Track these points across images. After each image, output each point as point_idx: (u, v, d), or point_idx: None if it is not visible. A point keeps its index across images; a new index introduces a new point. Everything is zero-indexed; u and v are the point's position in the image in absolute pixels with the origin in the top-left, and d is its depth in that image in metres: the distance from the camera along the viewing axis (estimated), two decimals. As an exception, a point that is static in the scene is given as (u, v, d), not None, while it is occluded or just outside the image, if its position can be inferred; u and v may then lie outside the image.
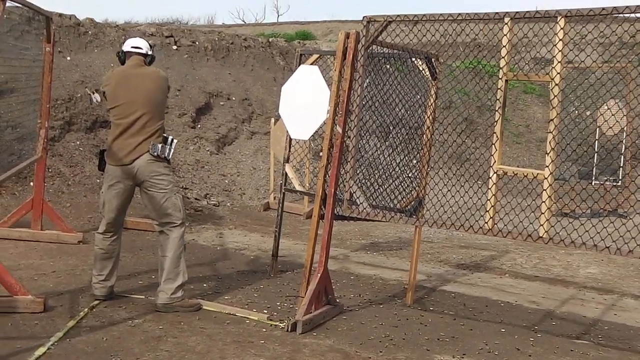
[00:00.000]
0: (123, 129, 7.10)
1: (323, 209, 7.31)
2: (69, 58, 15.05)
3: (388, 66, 8.51)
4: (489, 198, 6.65)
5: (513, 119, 20.59)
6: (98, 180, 12.45)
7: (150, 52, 7.50)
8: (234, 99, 16.42)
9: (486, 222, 6.60)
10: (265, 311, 7.29)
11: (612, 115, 15.47)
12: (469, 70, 8.09)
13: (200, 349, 6.12)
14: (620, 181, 16.09)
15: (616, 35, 7.30)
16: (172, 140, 7.20)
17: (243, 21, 51.34)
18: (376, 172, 8.26)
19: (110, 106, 7.27)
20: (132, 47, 7.39)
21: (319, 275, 7.17)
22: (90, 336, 6.21)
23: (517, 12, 6.56)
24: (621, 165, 16.31)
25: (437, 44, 7.78)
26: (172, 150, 7.17)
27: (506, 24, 6.58)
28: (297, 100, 8.29)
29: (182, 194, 13.04)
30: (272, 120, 14.33)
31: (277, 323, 6.90)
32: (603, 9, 6.06)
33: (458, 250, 11.19)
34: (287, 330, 6.72)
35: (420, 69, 8.24)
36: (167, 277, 7.03)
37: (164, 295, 6.99)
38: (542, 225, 6.35)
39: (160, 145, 7.05)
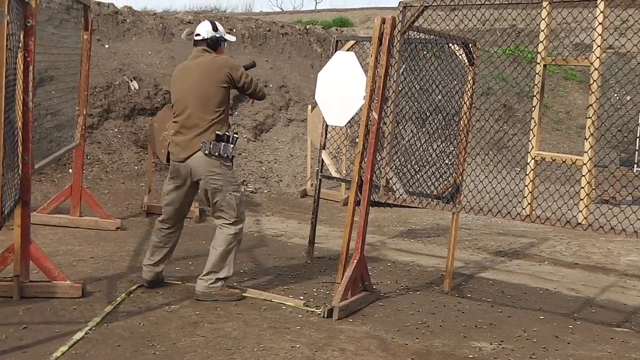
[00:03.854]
0: (178, 125, 6.94)
1: (359, 195, 7.29)
2: (107, 46, 15.16)
3: (425, 52, 8.46)
4: (526, 184, 6.60)
5: (553, 106, 20.44)
6: (136, 167, 12.55)
7: (209, 35, 7.04)
8: (271, 86, 16.44)
9: (524, 209, 6.55)
10: (302, 297, 7.30)
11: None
12: (507, 56, 8.02)
13: (236, 334, 6.13)
14: (661, 167, 15.94)
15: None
16: (229, 136, 6.84)
17: (281, 9, 51.38)
18: (413, 158, 8.21)
19: (172, 102, 7.17)
20: (195, 35, 7.12)
21: (355, 261, 7.14)
22: (127, 321, 6.24)
23: (552, -3, 6.48)
24: (662, 151, 16.15)
25: (474, 29, 7.73)
26: (231, 146, 6.83)
27: (544, 8, 6.50)
28: (333, 86, 8.29)
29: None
30: (309, 107, 14.31)
31: (313, 309, 6.91)
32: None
33: (496, 237, 11.13)
34: (324, 317, 6.72)
35: (458, 54, 8.19)
36: (211, 269, 6.91)
37: (202, 283, 6.90)
38: (581, 211, 6.29)
39: (211, 143, 6.73)
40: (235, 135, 6.94)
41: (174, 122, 7.02)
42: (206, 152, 6.70)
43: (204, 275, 6.92)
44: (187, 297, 7.01)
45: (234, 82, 6.92)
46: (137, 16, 16.22)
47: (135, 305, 6.70)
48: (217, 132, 6.76)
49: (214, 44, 7.06)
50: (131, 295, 6.96)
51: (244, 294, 7.20)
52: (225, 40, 7.19)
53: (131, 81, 14.40)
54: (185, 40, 16.15)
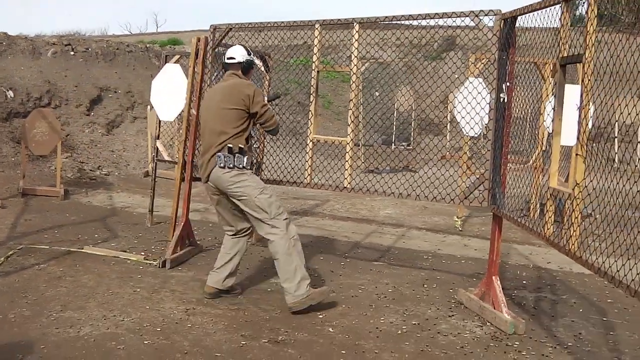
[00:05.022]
0: (202, 147, 5.84)
1: (184, 173, 7.30)
2: (-12, 64, 14.56)
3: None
4: (307, 160, 6.76)
5: (335, 102, 20.84)
6: (13, 159, 12.07)
7: (245, 59, 5.85)
8: (119, 91, 16.17)
9: (305, 178, 6.71)
10: (143, 253, 7.26)
11: (404, 96, 15.92)
12: (301, 66, 8.16)
13: (91, 284, 6.07)
14: (410, 145, 16.55)
15: (407, 38, 7.46)
16: (242, 148, 5.61)
17: (130, 32, 50.06)
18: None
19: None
20: (227, 58, 5.89)
21: (182, 224, 7.19)
22: (5, 279, 6.06)
23: (324, 20, 6.62)
24: (411, 133, 16.78)
25: (276, 45, 7.81)
26: (245, 157, 5.62)
27: (316, 28, 6.65)
28: (163, 90, 8.29)
29: (80, 167, 12.85)
30: (149, 107, 14.10)
31: (151, 262, 6.88)
32: (386, 17, 6.22)
33: (292, 201, 11.30)
34: (159, 267, 6.74)
35: (258, 64, 8.29)
36: (284, 278, 5.54)
37: (289, 296, 5.51)
38: (346, 178, 6.51)
39: (223, 156, 5.56)
40: (242, 147, 5.63)
41: (201, 143, 5.96)
42: (221, 164, 5.57)
43: (285, 287, 5.56)
44: (52, 257, 6.84)
45: (249, 107, 5.64)
46: (12, 39, 15.60)
47: (12, 266, 6.49)
48: (229, 145, 5.58)
49: (249, 66, 5.89)
50: (8, 259, 6.71)
51: (97, 252, 7.09)
52: (255, 64, 6.14)
53: (7, 91, 13.86)
54: (51, 57, 15.66)
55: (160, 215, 9.27)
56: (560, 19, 4.36)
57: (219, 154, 5.58)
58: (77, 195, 10.90)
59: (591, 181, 4.09)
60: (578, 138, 4.14)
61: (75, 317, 5.19)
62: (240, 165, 5.58)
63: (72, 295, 5.71)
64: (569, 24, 4.31)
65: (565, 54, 4.43)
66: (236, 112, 5.61)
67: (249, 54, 5.91)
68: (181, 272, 6.65)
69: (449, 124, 14.51)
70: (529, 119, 10.34)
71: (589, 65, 3.91)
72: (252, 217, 5.63)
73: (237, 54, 5.86)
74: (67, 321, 5.09)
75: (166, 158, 9.96)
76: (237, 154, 5.58)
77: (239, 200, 5.63)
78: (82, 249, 7.28)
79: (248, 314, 5.49)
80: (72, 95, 15.09)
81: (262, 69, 8.12)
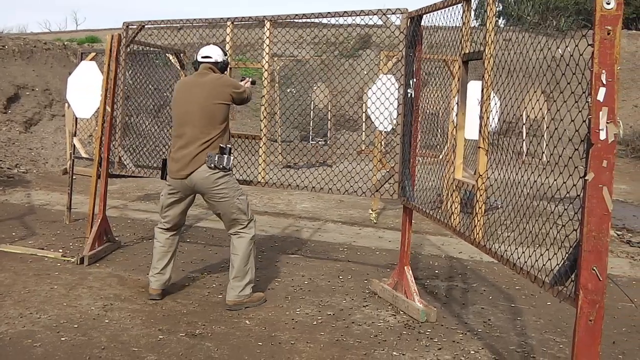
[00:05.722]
0: (179, 141, 5.52)
1: (99, 169, 7.21)
2: None
3: (157, 60, 8.49)
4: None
5: (253, 99, 20.87)
6: None
7: (221, 59, 5.76)
8: (37, 89, 15.81)
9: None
10: (61, 250, 7.14)
11: (322, 93, 16.03)
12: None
13: (7, 282, 5.95)
14: (328, 141, 16.69)
15: (325, 36, 7.53)
16: (230, 148, 5.53)
17: (49, 30, 48.69)
18: (143, 140, 8.23)
19: (172, 117, 5.75)
20: (202, 57, 5.72)
21: (99, 220, 7.09)
22: None
23: (236, 18, 6.63)
24: (328, 129, 16.92)
25: (194, 44, 7.77)
26: (232, 158, 5.53)
27: (228, 26, 6.67)
28: (79, 88, 8.17)
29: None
30: (66, 104, 13.83)
31: (69, 259, 6.77)
32: (296, 15, 6.28)
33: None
34: (77, 264, 6.63)
35: (172, 61, 8.26)
36: (236, 275, 5.60)
37: (232, 292, 5.59)
38: (259, 173, 6.54)
39: (217, 156, 5.40)
40: (230, 147, 5.59)
41: (176, 137, 5.58)
42: (211, 165, 5.39)
43: (232, 284, 5.63)
44: (-35, 257, 6.66)
45: (234, 99, 5.61)
46: None
47: None
48: (220, 145, 5.47)
49: (224, 67, 5.83)
50: None
51: (14, 250, 6.95)
52: (226, 67, 5.92)
53: None
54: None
55: (78, 213, 9.11)
56: (462, 18, 4.51)
57: (210, 153, 5.41)
58: (-7, 194, 10.64)
59: (499, 174, 4.23)
60: (480, 132, 4.29)
61: (-11, 316, 5.10)
62: (228, 167, 5.47)
63: (-13, 295, 5.59)
64: (469, 22, 4.45)
65: (467, 51, 4.57)
66: (224, 106, 5.52)
67: (225, 55, 5.84)
68: (99, 268, 6.57)
69: (364, 120, 14.71)
70: (441, 114, 10.59)
71: (488, 62, 4.06)
72: (228, 217, 5.61)
73: (213, 53, 5.74)
74: (-19, 320, 4.99)
75: (83, 155, 9.82)
76: (226, 155, 5.46)
77: (217, 201, 5.52)
78: (-2, 247, 7.13)
79: (165, 308, 5.48)
80: (-12, 93, 14.73)
81: (178, 66, 8.11)
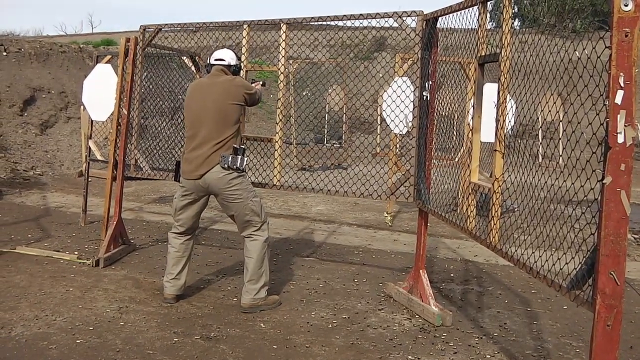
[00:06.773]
0: (192, 142, 5.50)
1: (115, 172, 7.22)
2: None
3: (172, 63, 8.51)
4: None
5: (268, 101, 20.82)
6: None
7: (234, 62, 5.76)
8: (53, 92, 15.89)
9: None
10: (76, 252, 7.15)
11: (338, 95, 16.01)
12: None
13: (23, 284, 5.98)
14: (342, 143, 16.65)
15: (341, 38, 7.53)
16: (244, 149, 5.51)
17: (65, 33, 48.94)
18: (159, 143, 8.26)
19: (185, 119, 5.73)
20: (215, 59, 5.73)
21: (115, 223, 7.10)
22: None
23: (252, 21, 6.63)
24: (343, 132, 16.88)
25: (211, 46, 7.79)
26: (245, 159, 5.47)
27: (245, 29, 6.66)
28: (95, 91, 8.20)
29: (14, 167, 12.59)
30: (82, 107, 13.90)
31: (84, 261, 6.79)
32: (312, 18, 6.27)
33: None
34: (92, 266, 6.64)
35: (188, 64, 8.27)
36: (250, 278, 5.59)
37: (248, 295, 5.58)
38: (275, 176, 6.54)
39: (230, 157, 5.38)
40: (244, 148, 5.58)
41: (189, 137, 5.56)
42: (225, 165, 5.37)
43: (247, 287, 5.61)
44: (-19, 259, 6.69)
45: (247, 101, 5.60)
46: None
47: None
48: (234, 145, 5.46)
49: (237, 71, 5.82)
50: None
51: (29, 253, 6.97)
52: (239, 71, 5.89)
53: None
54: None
55: (93, 215, 9.14)
56: (478, 20, 4.48)
57: (224, 154, 5.40)
58: (10, 196, 10.68)
59: (515, 177, 4.20)
60: (496, 134, 4.25)
61: (6, 317, 5.10)
62: (241, 167, 5.45)
63: (4, 296, 5.60)
64: (486, 25, 4.42)
65: (483, 54, 4.54)
66: (238, 107, 5.52)
67: (239, 59, 5.85)
68: (114, 270, 6.58)
69: (379, 122, 14.66)
70: (456, 117, 10.55)
71: (505, 64, 4.03)
72: (241, 219, 5.57)
73: (226, 56, 5.74)
74: (-2, 322, 5.01)
75: (99, 158, 9.85)
76: (240, 156, 5.44)
77: (231, 202, 5.50)
78: (15, 249, 7.14)
79: (180, 311, 5.47)
80: (5, 95, 14.78)
81: (193, 68, 8.12)
